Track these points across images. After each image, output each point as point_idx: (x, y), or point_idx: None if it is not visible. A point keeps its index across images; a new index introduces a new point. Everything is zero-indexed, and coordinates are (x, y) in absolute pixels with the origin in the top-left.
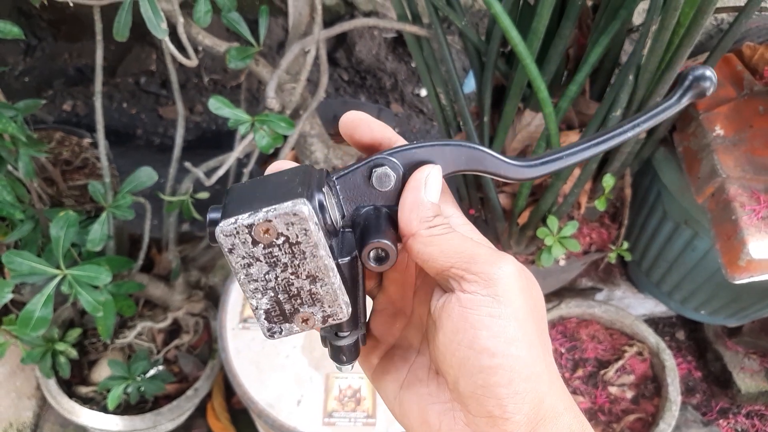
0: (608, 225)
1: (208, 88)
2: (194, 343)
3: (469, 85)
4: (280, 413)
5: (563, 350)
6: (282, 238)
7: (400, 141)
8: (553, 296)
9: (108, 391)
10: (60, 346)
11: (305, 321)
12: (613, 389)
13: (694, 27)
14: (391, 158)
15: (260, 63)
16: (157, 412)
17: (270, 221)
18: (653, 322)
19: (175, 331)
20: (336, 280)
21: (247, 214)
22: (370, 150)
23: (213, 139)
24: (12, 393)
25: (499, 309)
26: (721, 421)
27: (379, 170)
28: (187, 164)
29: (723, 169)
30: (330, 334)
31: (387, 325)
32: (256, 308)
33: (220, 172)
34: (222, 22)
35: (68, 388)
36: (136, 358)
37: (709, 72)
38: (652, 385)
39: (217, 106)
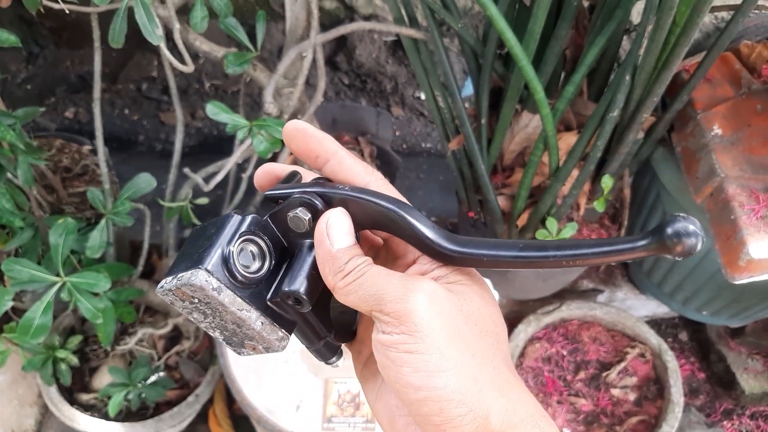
0: (608, 226)
1: (210, 94)
2: (195, 349)
3: (468, 88)
4: (280, 419)
5: (565, 352)
6: (196, 299)
7: (341, 152)
8: (554, 298)
9: (109, 398)
10: (61, 354)
11: (254, 349)
12: (615, 391)
13: (690, 26)
14: (309, 197)
15: (258, 68)
16: (159, 418)
17: (180, 288)
18: (656, 323)
19: (175, 337)
20: (256, 325)
21: (171, 278)
22: (312, 161)
23: (215, 144)
24: (14, 401)
25: (416, 344)
26: (725, 422)
27: (291, 214)
28: (186, 170)
29: (721, 169)
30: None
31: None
32: (216, 338)
33: (219, 178)
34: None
35: (70, 395)
36: (136, 364)
37: (692, 227)
38: (654, 387)
39: (215, 111)
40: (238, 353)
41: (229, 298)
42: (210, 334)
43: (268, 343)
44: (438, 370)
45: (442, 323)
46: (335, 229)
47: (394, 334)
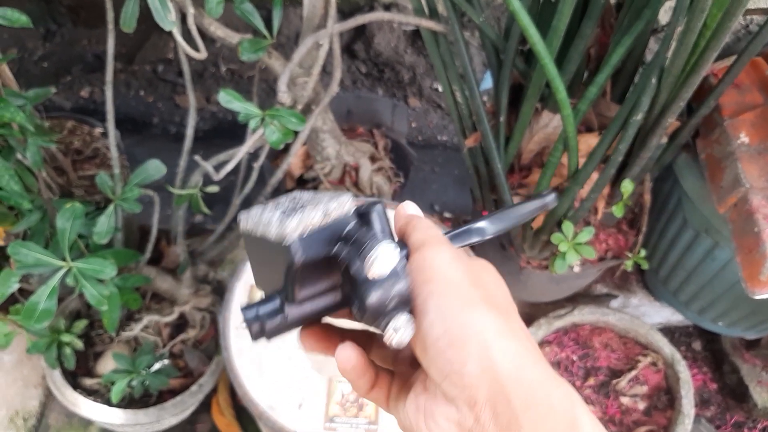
0: (626, 231)
1: (225, 78)
2: (200, 338)
3: (487, 81)
4: (281, 416)
5: (575, 358)
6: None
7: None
8: (567, 302)
9: (112, 383)
10: (65, 338)
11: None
12: (625, 400)
13: (722, 30)
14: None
15: (273, 55)
16: (161, 407)
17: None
18: (669, 331)
19: (181, 325)
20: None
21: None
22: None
23: (229, 129)
24: (19, 381)
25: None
26: None
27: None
28: (197, 157)
29: (747, 179)
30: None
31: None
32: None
33: (229, 167)
34: (234, 8)
35: (73, 379)
36: (141, 351)
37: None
38: (665, 397)
39: (228, 99)
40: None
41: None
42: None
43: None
44: (450, 301)
45: (462, 275)
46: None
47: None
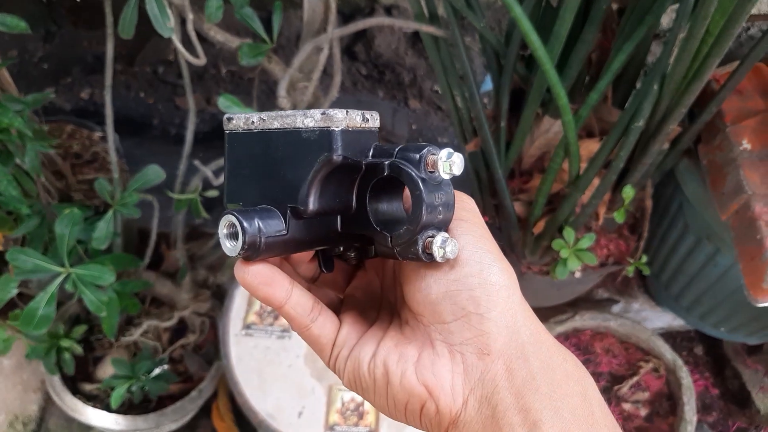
0: (627, 236)
1: (226, 80)
2: (200, 343)
3: (488, 83)
4: (281, 424)
5: None
6: None
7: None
8: (568, 307)
9: (112, 389)
10: (65, 343)
11: None
12: (626, 406)
13: (725, 36)
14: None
15: (273, 60)
16: (161, 412)
17: None
18: (671, 336)
19: (181, 329)
20: None
21: None
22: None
23: None
24: (18, 386)
25: (481, 230)
26: None
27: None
28: (197, 162)
29: (749, 186)
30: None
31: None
32: None
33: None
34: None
35: (73, 384)
36: (140, 357)
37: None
38: (667, 403)
39: (227, 104)
40: None
41: None
42: None
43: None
44: (476, 243)
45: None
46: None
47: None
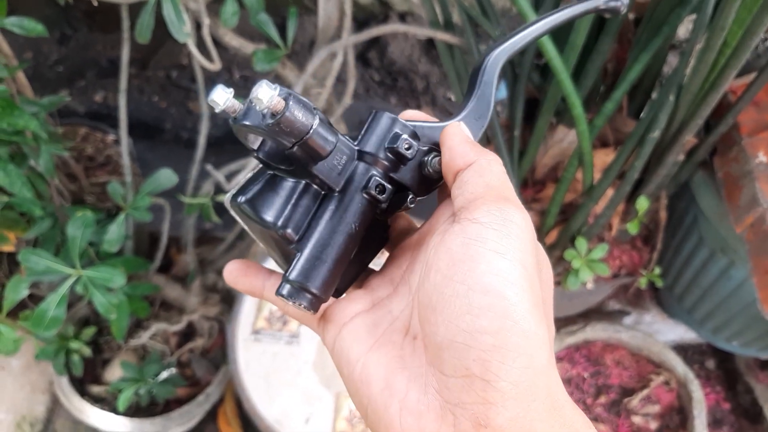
0: (640, 248)
1: (239, 85)
2: (208, 347)
3: (502, 91)
4: (288, 430)
5: (586, 375)
6: None
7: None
8: (579, 318)
9: (120, 391)
10: (74, 344)
11: None
12: (636, 419)
13: (742, 48)
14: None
15: (287, 66)
16: (167, 416)
17: None
18: (682, 349)
19: (189, 333)
20: None
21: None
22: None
23: None
24: (26, 386)
25: (507, 247)
26: None
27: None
28: (209, 167)
29: (764, 198)
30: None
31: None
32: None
33: (241, 177)
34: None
35: (81, 386)
36: (148, 360)
37: None
38: (677, 417)
39: None
40: None
41: None
42: None
43: None
44: (516, 284)
45: (533, 252)
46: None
47: (490, 227)
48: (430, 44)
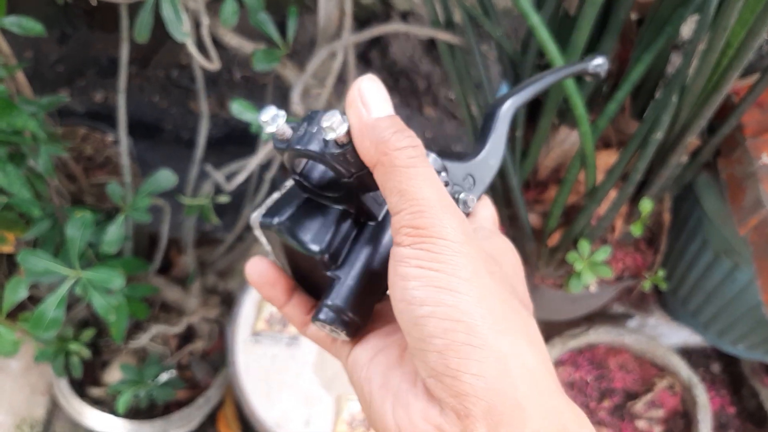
0: (644, 250)
1: (240, 84)
2: (208, 350)
3: (503, 91)
4: None
5: (589, 379)
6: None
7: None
8: (582, 321)
9: (119, 393)
10: (73, 346)
11: None
12: (640, 423)
13: (745, 48)
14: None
15: (287, 66)
16: (167, 419)
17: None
18: (687, 352)
19: (189, 335)
20: None
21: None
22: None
23: (242, 136)
24: (26, 388)
25: (430, 262)
26: None
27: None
28: (208, 168)
29: None
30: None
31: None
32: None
33: (240, 179)
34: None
35: (80, 388)
36: (148, 362)
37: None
38: (682, 421)
39: (240, 110)
40: None
41: None
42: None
43: None
44: (449, 288)
45: (468, 250)
46: (369, 95)
47: (413, 247)
48: (431, 44)
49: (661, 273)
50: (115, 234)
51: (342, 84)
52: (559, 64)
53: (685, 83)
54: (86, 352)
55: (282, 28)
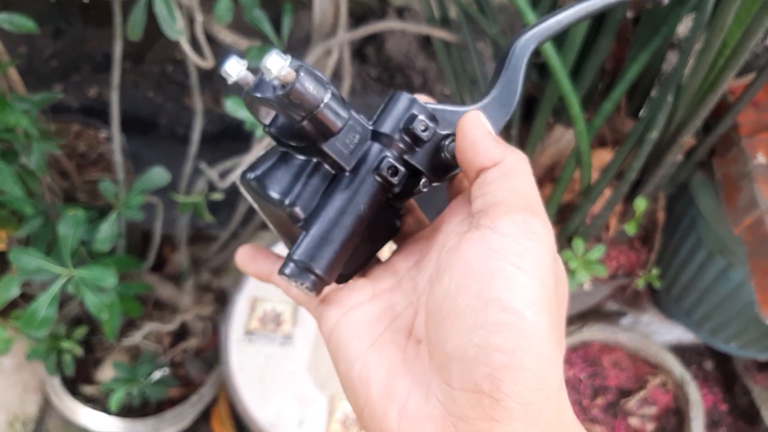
0: (638, 249)
1: None
2: (201, 347)
3: None
4: None
5: (583, 376)
6: None
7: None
8: (576, 319)
9: (112, 391)
10: (65, 344)
11: None
12: (633, 420)
13: (741, 48)
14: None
15: None
16: (160, 417)
17: None
18: (680, 350)
19: (182, 333)
20: None
21: None
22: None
23: (237, 132)
24: (18, 386)
25: (529, 263)
26: None
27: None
28: (202, 165)
29: (763, 200)
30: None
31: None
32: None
33: (235, 176)
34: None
35: (73, 385)
36: (141, 360)
37: None
38: (674, 419)
39: (234, 107)
40: None
41: None
42: None
43: None
44: (535, 304)
45: (554, 271)
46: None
47: (514, 240)
48: (427, 40)
49: (654, 271)
50: (107, 232)
51: (337, 81)
52: (555, 62)
53: (681, 82)
54: (79, 350)
55: (277, 24)
